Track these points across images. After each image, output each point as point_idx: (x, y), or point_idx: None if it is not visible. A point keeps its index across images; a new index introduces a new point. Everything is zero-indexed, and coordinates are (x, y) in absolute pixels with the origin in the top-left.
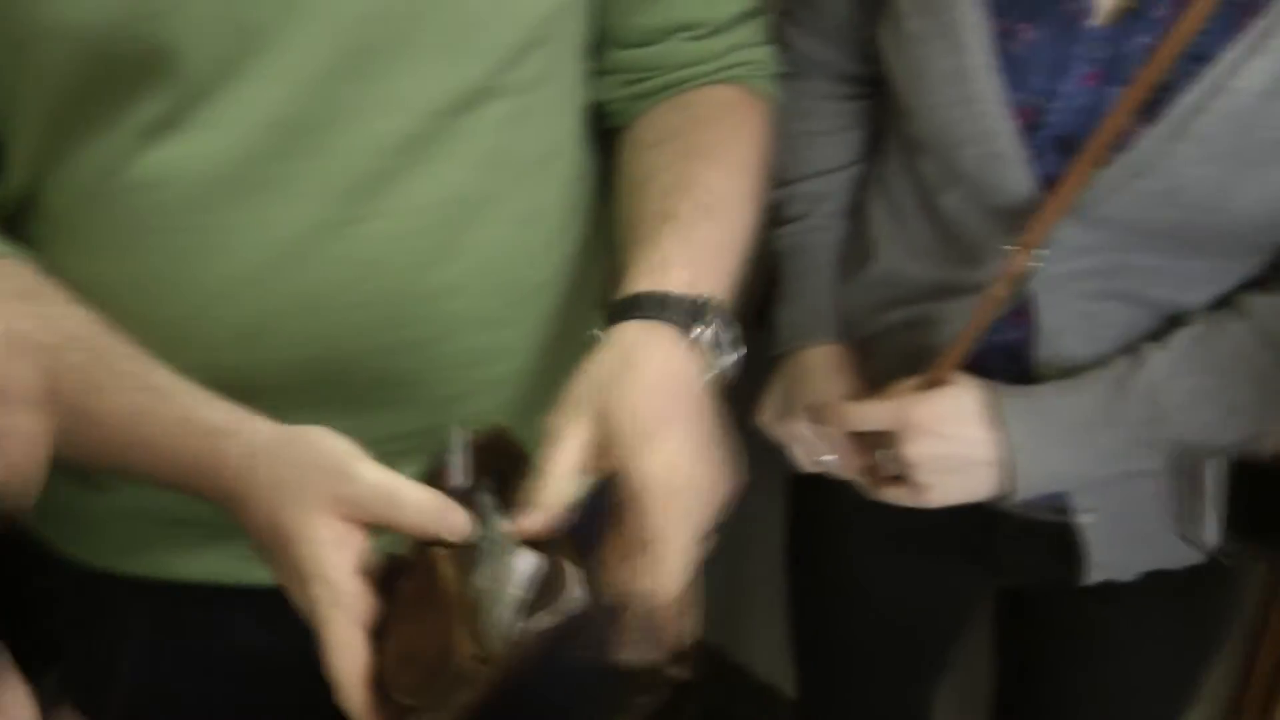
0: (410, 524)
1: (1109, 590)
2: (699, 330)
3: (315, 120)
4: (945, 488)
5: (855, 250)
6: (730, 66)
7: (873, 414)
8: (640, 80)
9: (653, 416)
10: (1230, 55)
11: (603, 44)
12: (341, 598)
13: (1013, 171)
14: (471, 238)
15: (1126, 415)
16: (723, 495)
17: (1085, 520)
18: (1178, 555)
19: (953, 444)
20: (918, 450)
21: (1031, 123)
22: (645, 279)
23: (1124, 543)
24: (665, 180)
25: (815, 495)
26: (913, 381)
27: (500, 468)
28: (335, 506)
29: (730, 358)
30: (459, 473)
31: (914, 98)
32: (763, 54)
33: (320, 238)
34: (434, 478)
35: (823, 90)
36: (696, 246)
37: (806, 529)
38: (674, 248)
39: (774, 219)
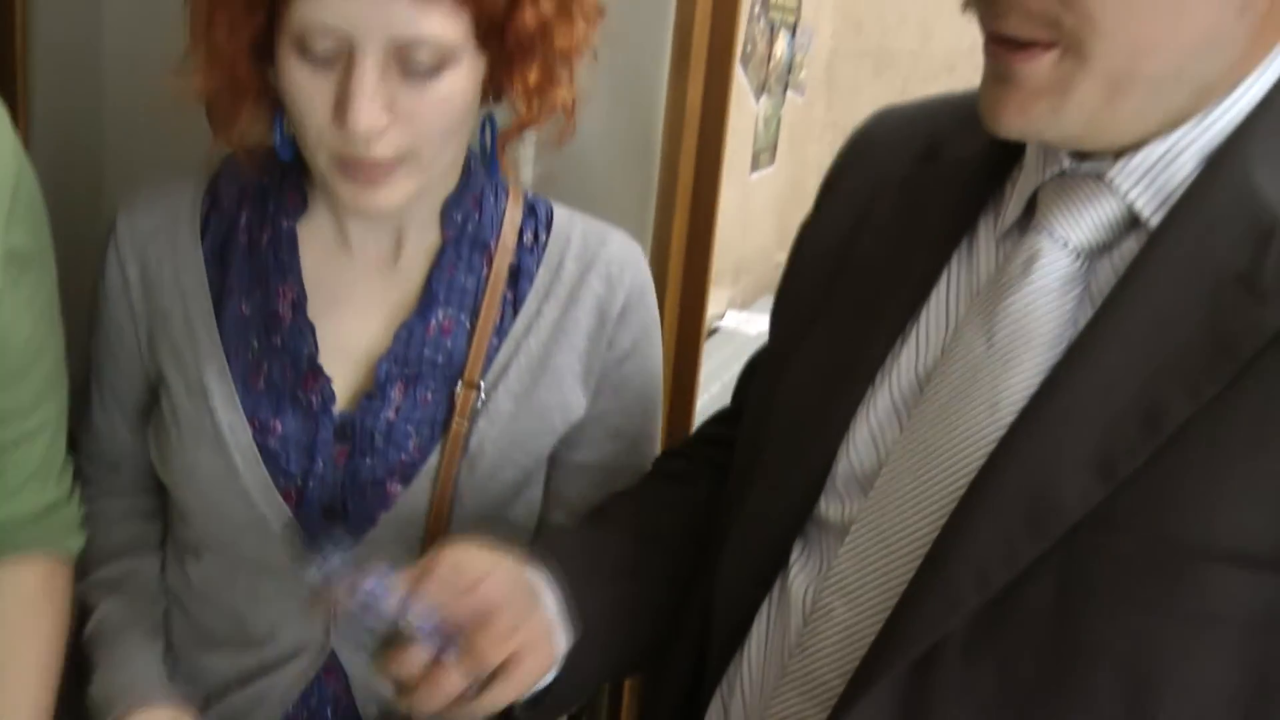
0: None
1: None
2: None
3: None
4: None
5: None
6: (40, 536)
7: None
8: None
9: None
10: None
11: None
12: None
13: (295, 545)
14: None
15: None
16: None
17: None
18: None
19: None
20: None
21: (297, 501)
22: None
23: None
24: None
25: None
26: None
27: None
28: None
29: None
30: None
31: (191, 499)
32: (74, 511)
33: None
34: None
35: (117, 486)
36: None
37: None
38: None
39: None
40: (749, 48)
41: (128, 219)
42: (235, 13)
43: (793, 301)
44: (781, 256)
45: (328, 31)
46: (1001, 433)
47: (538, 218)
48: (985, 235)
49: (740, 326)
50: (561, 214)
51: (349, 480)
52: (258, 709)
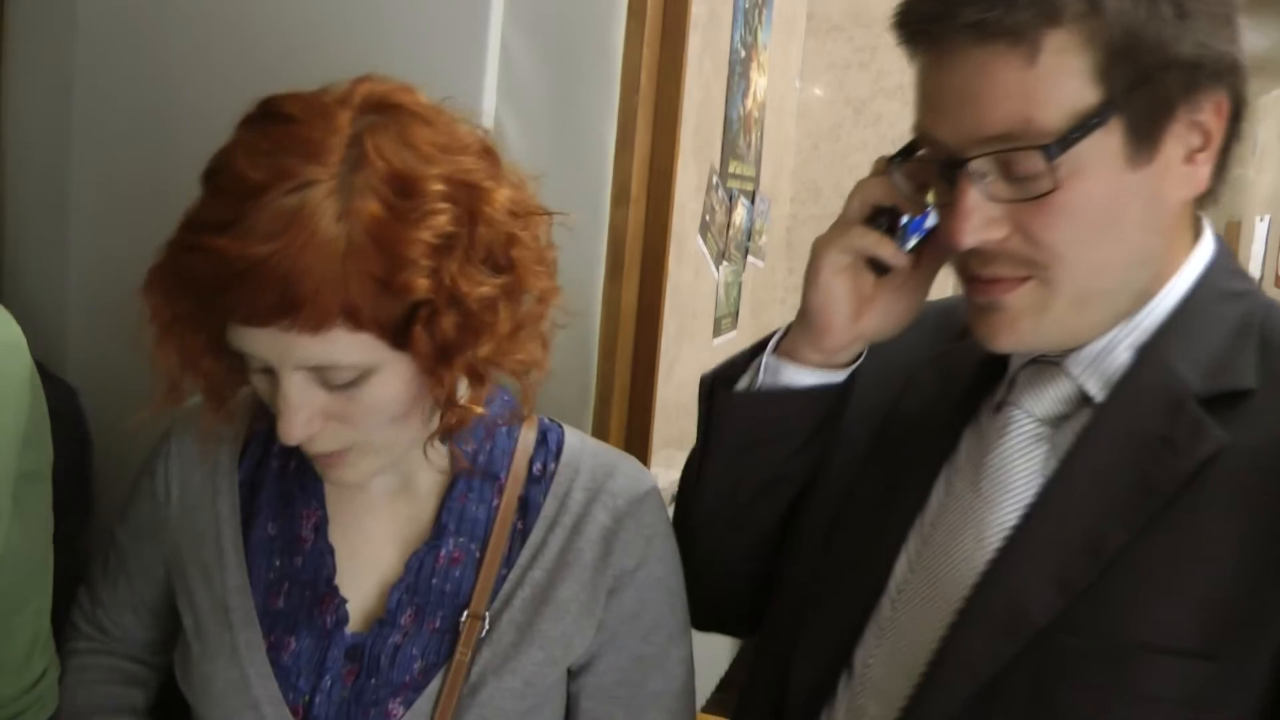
0: None
1: None
2: None
3: None
4: None
5: None
6: (26, 707)
7: None
8: None
9: None
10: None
11: None
12: None
13: None
14: None
15: None
16: None
17: None
18: None
19: None
20: None
21: (303, 716)
22: None
23: None
24: None
25: None
26: None
27: None
28: None
29: None
30: None
31: (207, 710)
32: (53, 677)
33: None
34: None
35: (103, 649)
36: None
37: None
38: None
39: None
40: (708, 217)
41: (180, 442)
42: (184, 338)
43: (846, 441)
44: None
45: (250, 355)
46: (988, 560)
47: (549, 447)
48: (986, 409)
49: None
50: (573, 442)
51: (354, 700)
52: None
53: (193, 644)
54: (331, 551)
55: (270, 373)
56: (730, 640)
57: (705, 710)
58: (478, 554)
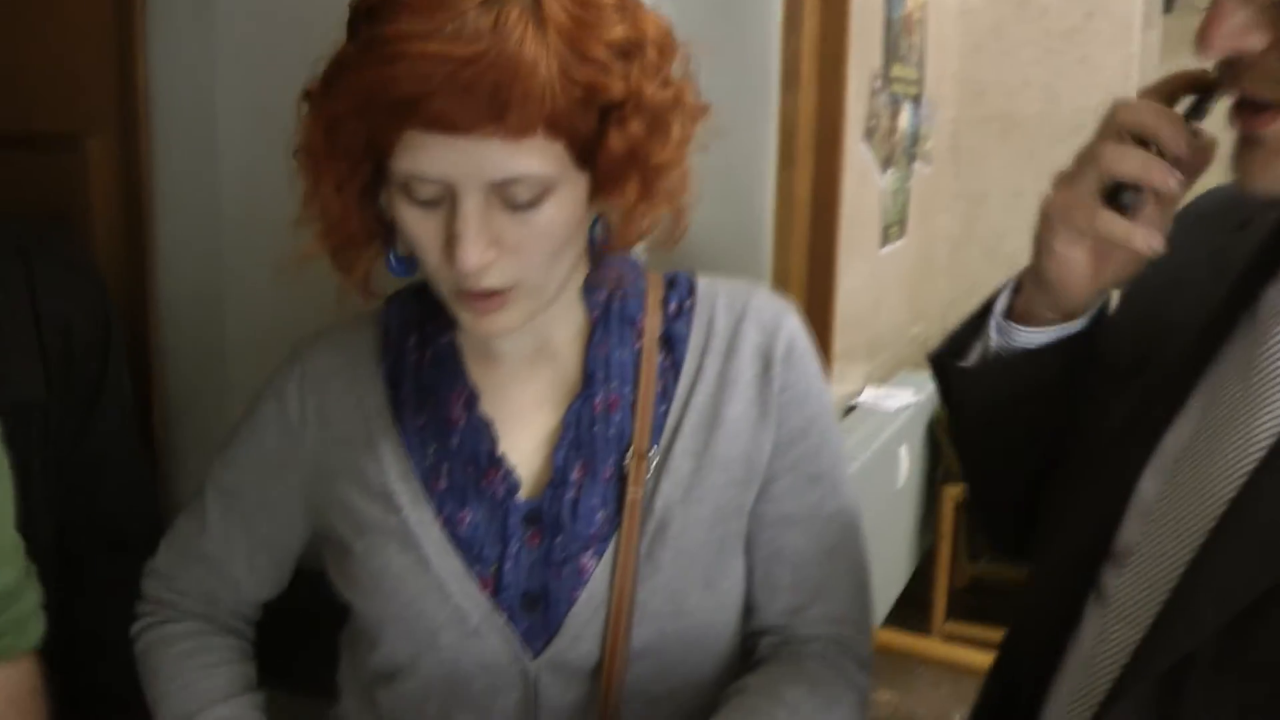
0: None
1: None
2: None
3: None
4: None
5: None
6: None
7: None
8: None
9: None
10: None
11: None
12: None
13: (493, 641)
14: None
15: None
16: None
17: None
18: None
19: None
20: None
21: (494, 589)
22: None
23: None
24: None
25: None
26: None
27: None
28: None
29: None
30: None
31: (384, 606)
32: (33, 597)
33: None
34: None
35: (206, 629)
36: None
37: None
38: None
39: None
40: (873, 123)
41: (312, 356)
42: (341, 174)
43: (1111, 364)
44: (916, 330)
45: (428, 180)
46: (1250, 470)
47: (679, 287)
48: (1265, 299)
49: (879, 402)
50: (703, 281)
51: (542, 561)
52: None
53: (354, 545)
54: (489, 423)
55: (435, 206)
56: (907, 556)
57: (886, 624)
58: (632, 397)
